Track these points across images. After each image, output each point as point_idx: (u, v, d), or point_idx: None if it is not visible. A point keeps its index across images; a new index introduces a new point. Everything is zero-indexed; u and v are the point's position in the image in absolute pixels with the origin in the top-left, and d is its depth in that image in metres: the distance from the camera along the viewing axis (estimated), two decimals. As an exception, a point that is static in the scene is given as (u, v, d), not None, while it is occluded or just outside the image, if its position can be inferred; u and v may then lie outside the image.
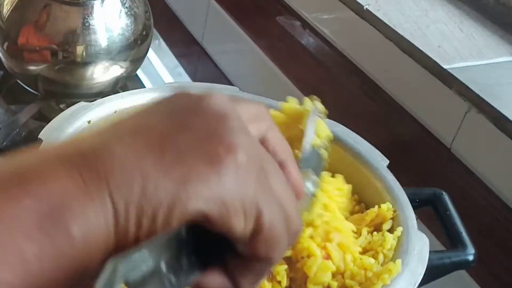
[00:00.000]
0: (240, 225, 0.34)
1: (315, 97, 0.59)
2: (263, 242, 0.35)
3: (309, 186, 0.50)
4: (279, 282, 0.59)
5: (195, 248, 0.35)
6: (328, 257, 0.58)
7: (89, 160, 0.33)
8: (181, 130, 0.35)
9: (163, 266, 0.33)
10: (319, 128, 0.56)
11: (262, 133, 0.40)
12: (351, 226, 0.62)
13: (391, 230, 0.63)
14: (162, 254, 0.33)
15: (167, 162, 0.33)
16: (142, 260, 0.31)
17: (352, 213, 0.67)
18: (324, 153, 0.55)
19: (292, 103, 0.59)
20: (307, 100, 0.59)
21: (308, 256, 0.58)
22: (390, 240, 0.60)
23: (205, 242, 0.35)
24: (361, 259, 0.59)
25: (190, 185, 0.33)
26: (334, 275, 0.58)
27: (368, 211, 0.65)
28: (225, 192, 0.34)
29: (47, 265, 0.31)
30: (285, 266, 0.58)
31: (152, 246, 0.32)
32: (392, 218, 0.63)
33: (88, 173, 0.32)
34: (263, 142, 0.40)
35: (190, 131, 0.35)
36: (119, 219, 0.32)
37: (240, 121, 0.37)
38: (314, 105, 0.58)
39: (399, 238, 0.61)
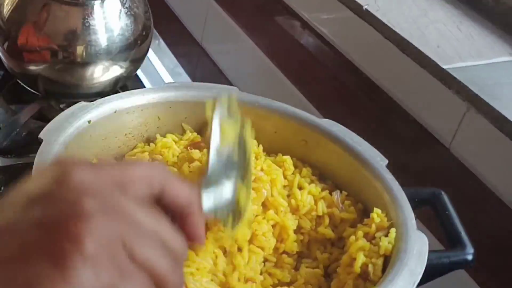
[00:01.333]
0: None
1: (224, 97, 0.59)
2: None
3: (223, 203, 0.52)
4: None
5: None
6: None
7: None
8: (31, 227, 0.34)
9: None
10: (224, 130, 0.57)
11: (154, 191, 0.40)
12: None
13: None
14: None
15: (12, 270, 0.33)
16: None
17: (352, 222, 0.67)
18: (235, 153, 0.56)
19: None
20: (208, 105, 0.58)
21: None
22: (385, 245, 0.60)
23: None
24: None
25: None
26: None
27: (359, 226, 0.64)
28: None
29: None
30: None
31: None
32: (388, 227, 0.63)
33: None
34: (159, 199, 0.40)
35: (39, 226, 0.34)
36: None
37: (101, 197, 0.36)
38: (216, 108, 0.58)
39: (396, 238, 0.61)
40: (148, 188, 0.40)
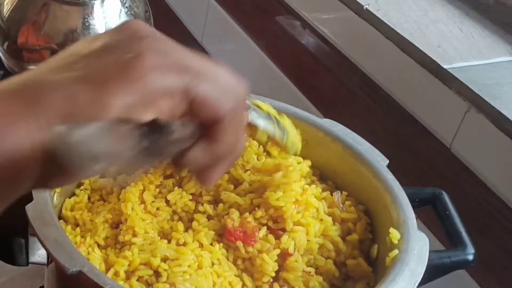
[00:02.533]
0: (173, 105, 0.37)
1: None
2: (204, 107, 0.39)
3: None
4: None
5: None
6: None
7: (22, 88, 0.36)
8: (102, 51, 0.38)
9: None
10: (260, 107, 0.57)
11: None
12: None
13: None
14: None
15: (88, 77, 0.36)
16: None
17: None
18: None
19: None
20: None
21: None
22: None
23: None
24: None
25: (107, 92, 0.35)
26: None
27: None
28: (142, 89, 0.36)
29: None
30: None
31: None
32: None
33: (21, 97, 0.35)
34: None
35: (110, 50, 0.38)
36: (46, 132, 0.34)
37: (155, 36, 0.41)
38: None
39: (399, 240, 0.61)
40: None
